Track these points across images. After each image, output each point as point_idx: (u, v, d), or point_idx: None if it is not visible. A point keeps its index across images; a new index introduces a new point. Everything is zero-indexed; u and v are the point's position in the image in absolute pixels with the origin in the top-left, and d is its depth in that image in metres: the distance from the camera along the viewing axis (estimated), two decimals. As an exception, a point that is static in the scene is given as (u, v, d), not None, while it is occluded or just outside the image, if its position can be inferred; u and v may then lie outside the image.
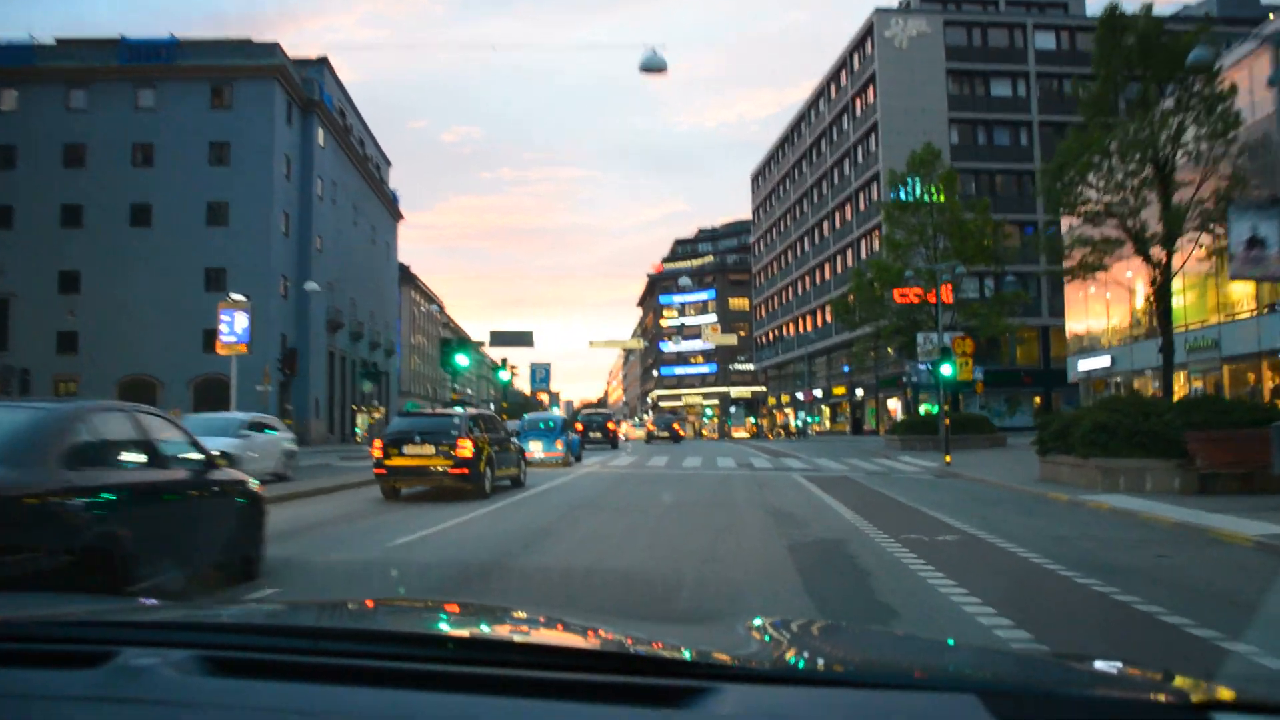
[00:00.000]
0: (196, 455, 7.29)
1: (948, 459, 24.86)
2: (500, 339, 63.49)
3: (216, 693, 1.34)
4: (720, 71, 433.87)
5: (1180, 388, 30.97)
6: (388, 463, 15.37)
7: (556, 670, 1.37)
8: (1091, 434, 15.57)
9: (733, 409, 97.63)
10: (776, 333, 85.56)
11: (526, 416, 31.45)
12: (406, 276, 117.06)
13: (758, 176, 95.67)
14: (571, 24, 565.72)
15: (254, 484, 8.46)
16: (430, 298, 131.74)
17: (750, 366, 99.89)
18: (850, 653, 1.90)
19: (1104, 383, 39.24)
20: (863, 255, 60.50)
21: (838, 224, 67.83)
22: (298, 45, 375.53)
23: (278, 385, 49.78)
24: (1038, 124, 57.81)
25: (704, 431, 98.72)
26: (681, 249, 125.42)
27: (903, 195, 36.27)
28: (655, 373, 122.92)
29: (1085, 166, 18.32)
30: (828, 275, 69.65)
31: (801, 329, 76.29)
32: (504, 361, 34.71)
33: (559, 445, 27.26)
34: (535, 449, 26.10)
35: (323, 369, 58.69)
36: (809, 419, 72.98)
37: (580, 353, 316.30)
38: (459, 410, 17.98)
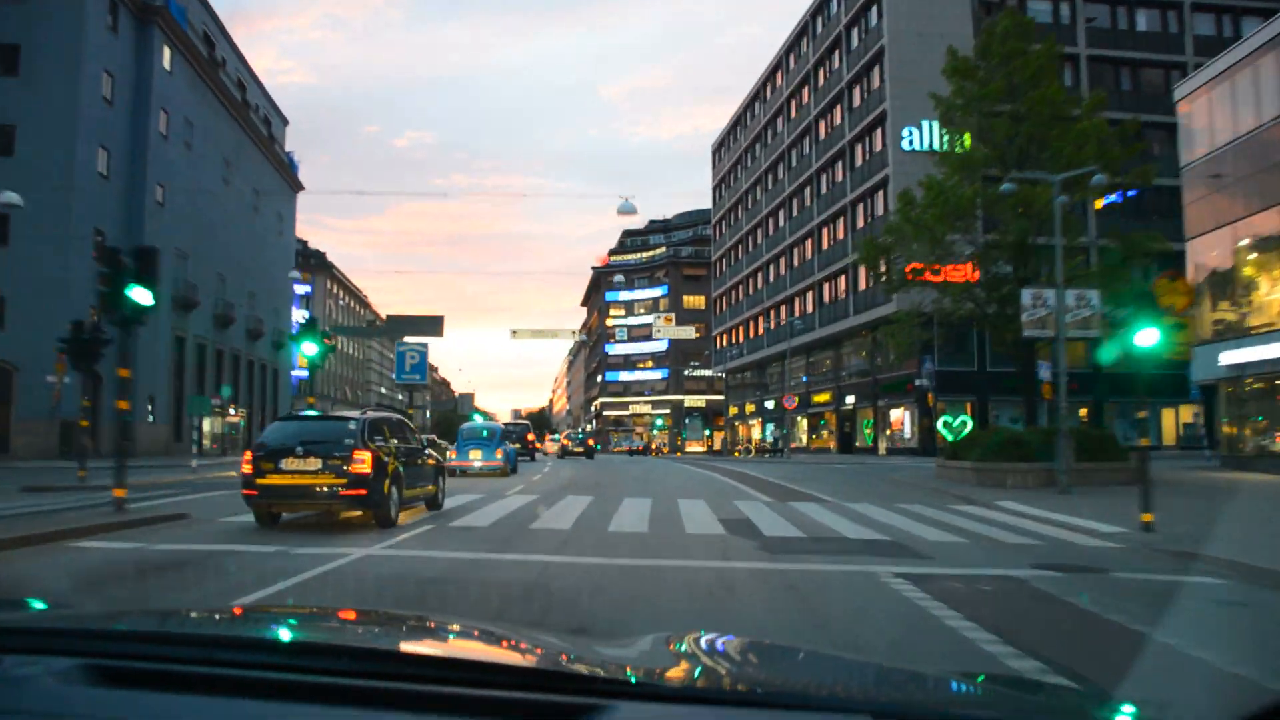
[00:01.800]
0: None
1: (1147, 518, 12.36)
2: (399, 325, 50.03)
3: (102, 704, 1.28)
4: (675, 85, 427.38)
5: None
6: (260, 481, 11.90)
7: (452, 685, 1.32)
8: None
9: (687, 420, 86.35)
10: (742, 331, 72.32)
11: (465, 425, 30.57)
12: (322, 264, 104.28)
13: (719, 148, 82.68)
14: (527, 32, 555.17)
15: None
16: (351, 290, 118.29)
17: (707, 372, 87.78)
18: (758, 672, 1.89)
19: (1237, 383, 26.98)
20: (858, 224, 47.96)
21: (823, 188, 55.22)
22: (249, 44, 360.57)
23: (77, 378, 36.68)
24: (1085, 59, 45.90)
25: (654, 446, 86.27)
26: (630, 241, 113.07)
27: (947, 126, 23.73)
28: (600, 378, 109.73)
29: None
30: (809, 254, 56.82)
31: (774, 323, 63.10)
32: (308, 319, 21.82)
33: (499, 455, 26.66)
34: (475, 458, 26.29)
35: (165, 359, 45.13)
36: (783, 431, 59.56)
37: (526, 360, 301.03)
38: (355, 414, 13.47)
